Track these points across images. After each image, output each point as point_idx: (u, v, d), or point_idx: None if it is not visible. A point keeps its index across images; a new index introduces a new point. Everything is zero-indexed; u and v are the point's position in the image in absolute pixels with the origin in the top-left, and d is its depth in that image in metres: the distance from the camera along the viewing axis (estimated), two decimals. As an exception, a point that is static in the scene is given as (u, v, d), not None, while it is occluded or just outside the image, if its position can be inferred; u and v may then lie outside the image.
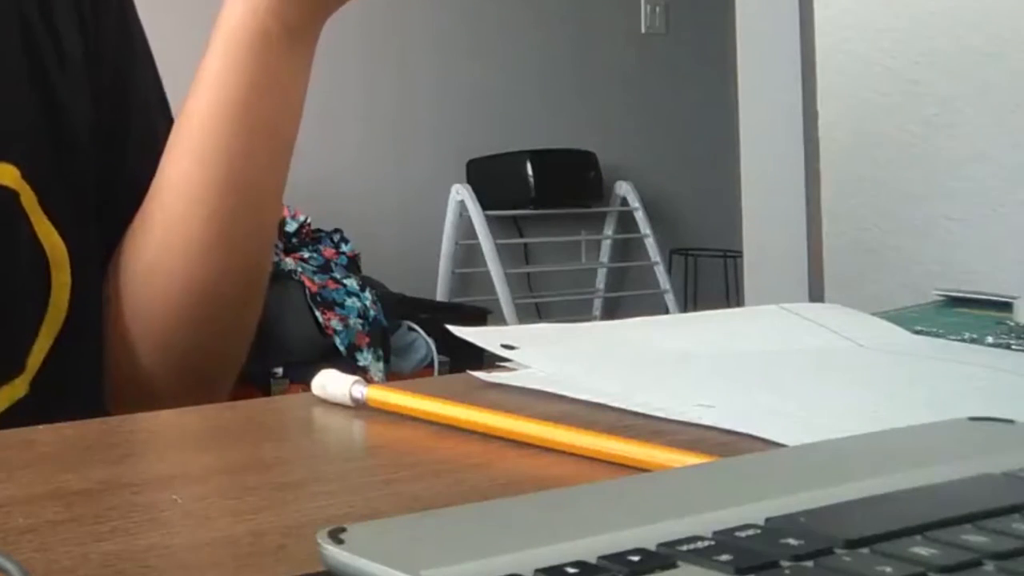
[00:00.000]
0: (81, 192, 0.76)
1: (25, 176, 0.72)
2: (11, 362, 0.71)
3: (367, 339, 2.94)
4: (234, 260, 0.75)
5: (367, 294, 3.00)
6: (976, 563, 0.32)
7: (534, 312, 3.81)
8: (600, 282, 4.01)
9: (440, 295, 3.64)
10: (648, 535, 0.33)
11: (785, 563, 0.32)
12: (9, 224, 0.72)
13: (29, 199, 0.72)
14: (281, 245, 2.99)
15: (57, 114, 0.75)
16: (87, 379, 0.76)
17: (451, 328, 0.67)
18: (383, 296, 3.09)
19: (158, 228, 0.75)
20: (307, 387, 0.58)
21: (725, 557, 0.32)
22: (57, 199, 0.74)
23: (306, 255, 3.05)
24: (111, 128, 0.79)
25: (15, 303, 0.72)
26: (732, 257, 3.73)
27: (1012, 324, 0.77)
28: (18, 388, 0.71)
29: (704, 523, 0.34)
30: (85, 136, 0.77)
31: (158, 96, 0.83)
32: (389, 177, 3.57)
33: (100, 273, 0.77)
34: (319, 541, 0.34)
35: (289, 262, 2.95)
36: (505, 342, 0.65)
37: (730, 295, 3.79)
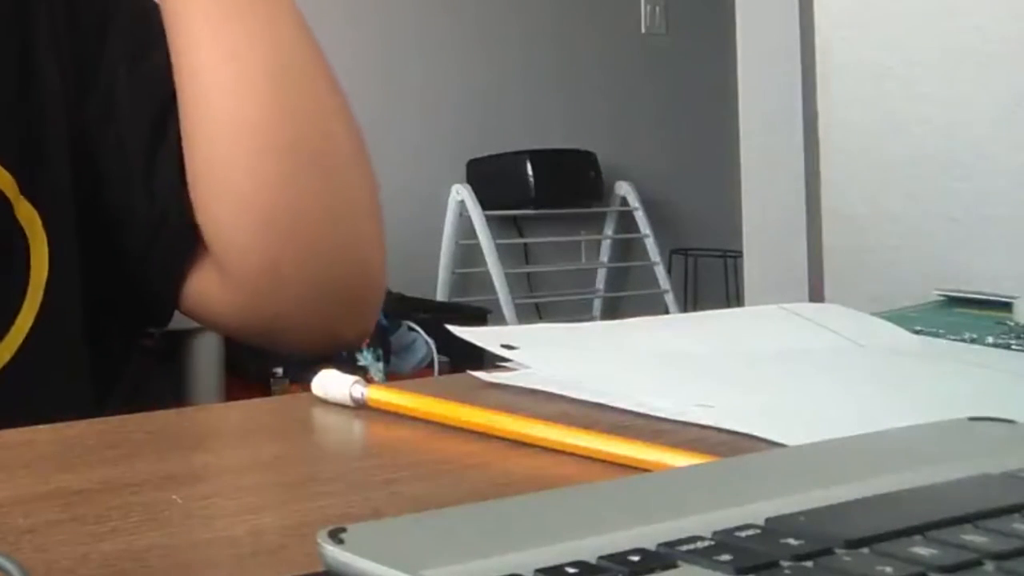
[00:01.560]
0: (55, 163, 0.76)
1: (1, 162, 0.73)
2: None
3: (367, 339, 2.94)
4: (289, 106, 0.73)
5: (367, 294, 3.00)
6: (976, 563, 0.32)
7: (534, 312, 3.81)
8: (600, 282, 4.01)
9: (440, 295, 3.64)
10: (648, 535, 0.33)
11: (785, 563, 0.32)
12: None
13: (6, 181, 0.73)
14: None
15: (31, 92, 0.75)
16: (70, 348, 0.77)
17: (451, 328, 0.67)
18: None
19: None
20: (307, 387, 0.58)
21: (725, 557, 0.32)
22: (32, 175, 0.74)
23: (306, 255, 3.05)
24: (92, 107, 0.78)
25: None
26: (732, 257, 3.72)
27: (1012, 324, 0.77)
28: (2, 354, 0.73)
29: (704, 523, 0.34)
30: (60, 111, 0.76)
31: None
32: (389, 177, 3.56)
33: (76, 241, 0.76)
34: (319, 541, 0.34)
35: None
36: (505, 342, 0.65)
37: (730, 295, 3.79)
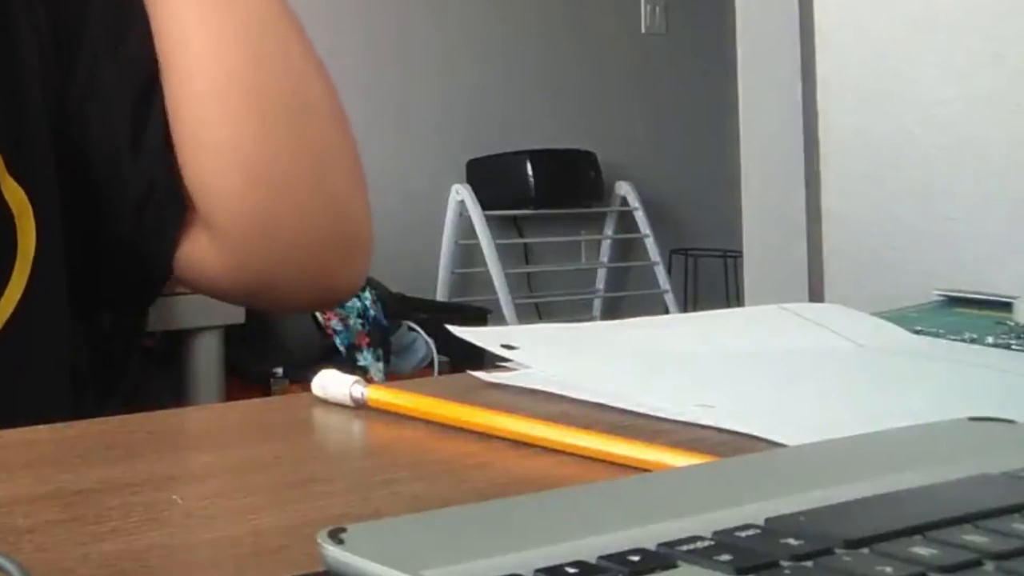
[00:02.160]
0: (37, 140, 0.76)
1: None
2: None
3: (367, 339, 2.94)
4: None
5: (367, 294, 3.00)
6: (976, 563, 0.32)
7: (534, 312, 3.81)
8: (600, 282, 4.01)
9: (440, 295, 3.64)
10: (648, 535, 0.33)
11: (785, 563, 0.32)
12: None
13: None
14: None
15: (11, 70, 0.76)
16: (58, 322, 0.77)
17: (451, 328, 0.67)
18: (383, 296, 3.09)
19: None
20: (307, 387, 0.58)
21: (725, 557, 0.32)
22: (16, 152, 0.75)
23: (306, 255, 3.04)
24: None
25: None
26: (732, 257, 3.72)
27: (1012, 324, 0.77)
28: None
29: (704, 523, 0.34)
30: (38, 89, 0.77)
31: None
32: (389, 177, 3.57)
33: (60, 217, 0.77)
34: (319, 541, 0.34)
35: (289, 262, 2.95)
36: (505, 342, 0.65)
37: (730, 295, 3.79)
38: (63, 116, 0.78)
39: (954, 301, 0.87)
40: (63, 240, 0.77)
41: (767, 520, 0.35)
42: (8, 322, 0.74)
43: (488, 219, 3.58)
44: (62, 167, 0.77)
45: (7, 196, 0.75)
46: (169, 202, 0.77)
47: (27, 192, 0.75)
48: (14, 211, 0.75)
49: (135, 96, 0.78)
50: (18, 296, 0.75)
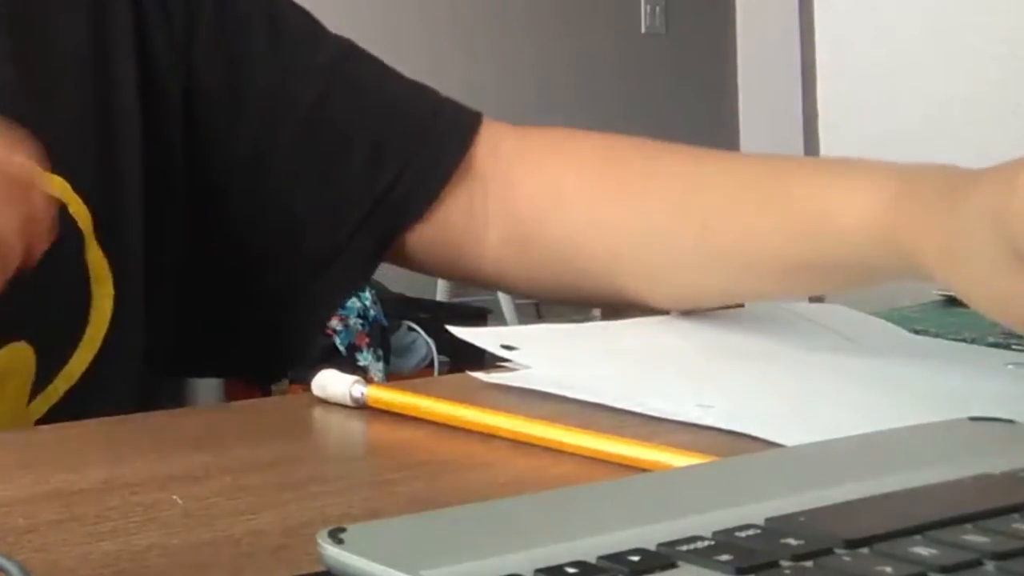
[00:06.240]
0: (130, 202, 0.72)
1: (76, 189, 0.69)
2: (42, 376, 0.69)
3: (367, 339, 2.94)
4: None
5: (367, 294, 3.00)
6: (976, 563, 0.32)
7: (534, 312, 3.81)
8: (600, 282, 4.01)
9: (440, 295, 3.64)
10: (648, 535, 0.33)
11: (785, 563, 0.32)
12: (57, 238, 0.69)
13: (79, 211, 0.69)
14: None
15: (110, 120, 0.72)
16: (124, 391, 0.73)
17: (451, 328, 0.66)
18: (383, 296, 3.09)
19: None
20: (307, 387, 0.58)
21: (725, 557, 0.32)
22: (106, 211, 0.71)
23: (306, 255, 3.04)
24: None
25: (53, 319, 0.69)
26: (732, 257, 3.72)
27: (1012, 324, 0.77)
28: (50, 396, 0.69)
29: (704, 523, 0.34)
30: (137, 141, 0.73)
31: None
32: (389, 177, 3.57)
33: (144, 284, 0.73)
34: (319, 541, 0.34)
35: (289, 262, 2.94)
36: (505, 342, 0.65)
37: (730, 295, 3.78)
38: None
39: (954, 301, 0.86)
40: (143, 323, 0.73)
41: (767, 520, 0.35)
42: (70, 392, 0.70)
43: (488, 219, 3.57)
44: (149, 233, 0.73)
45: (89, 261, 0.70)
46: (349, 267, 0.77)
47: (112, 263, 0.71)
48: (92, 277, 0.70)
49: (321, 156, 0.77)
50: (82, 368, 0.70)
